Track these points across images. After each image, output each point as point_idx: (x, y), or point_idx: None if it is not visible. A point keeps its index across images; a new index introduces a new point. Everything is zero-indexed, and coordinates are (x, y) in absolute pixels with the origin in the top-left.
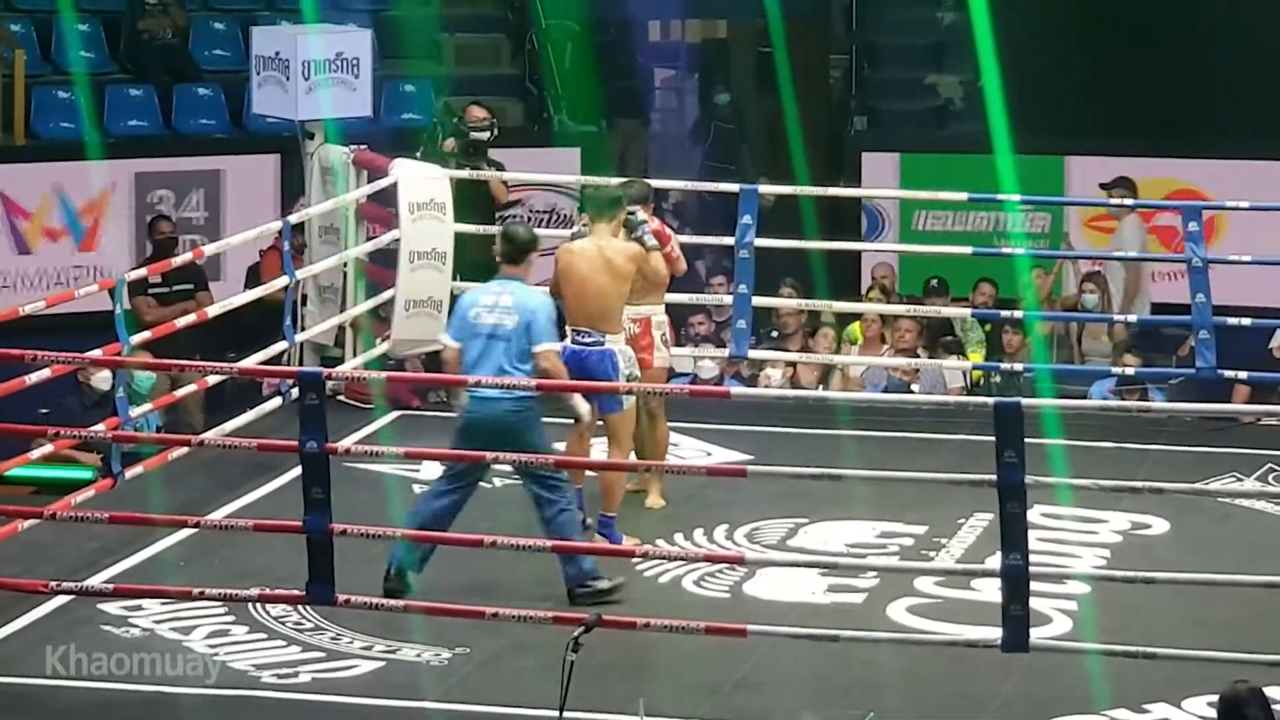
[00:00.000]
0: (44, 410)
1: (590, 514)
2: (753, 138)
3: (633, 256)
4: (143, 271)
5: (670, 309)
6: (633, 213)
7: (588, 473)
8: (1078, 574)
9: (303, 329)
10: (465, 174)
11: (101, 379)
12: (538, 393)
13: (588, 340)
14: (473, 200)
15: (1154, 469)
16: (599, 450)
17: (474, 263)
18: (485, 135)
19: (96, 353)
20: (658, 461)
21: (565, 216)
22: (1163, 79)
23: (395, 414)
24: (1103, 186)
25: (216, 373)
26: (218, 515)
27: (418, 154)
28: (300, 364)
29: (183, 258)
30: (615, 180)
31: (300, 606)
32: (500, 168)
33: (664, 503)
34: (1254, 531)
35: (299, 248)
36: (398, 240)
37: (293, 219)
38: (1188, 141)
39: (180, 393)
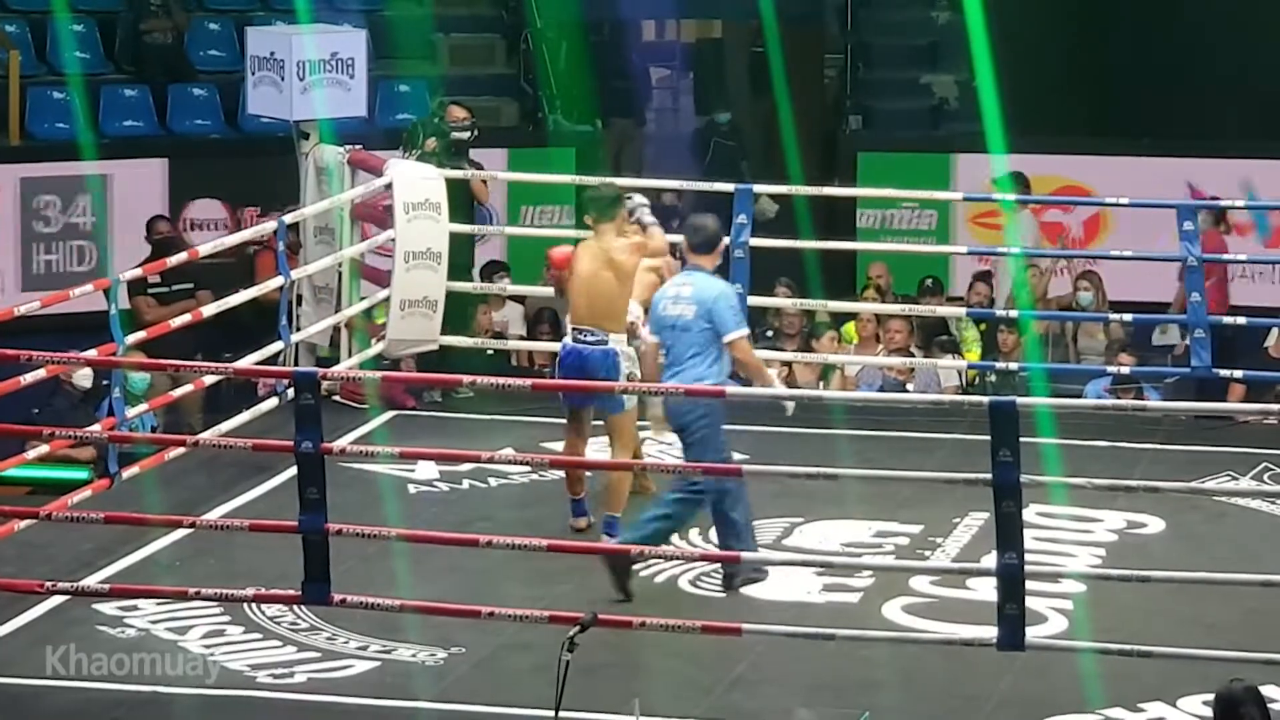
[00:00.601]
0: (36, 410)
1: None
2: (753, 152)
3: (635, 249)
4: (138, 271)
5: None
6: (629, 196)
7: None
8: (1073, 573)
9: (298, 329)
10: (447, 173)
11: (83, 377)
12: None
13: (590, 339)
14: (454, 200)
15: (1149, 468)
16: (595, 451)
17: (456, 263)
18: (466, 135)
19: (92, 353)
20: (655, 461)
21: None
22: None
23: (390, 414)
24: (994, 182)
25: (212, 373)
26: (213, 515)
27: (399, 153)
28: (295, 364)
29: (178, 257)
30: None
31: (296, 606)
32: (479, 167)
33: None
34: (1249, 530)
35: (293, 248)
36: (393, 240)
37: (288, 219)
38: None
39: (177, 393)
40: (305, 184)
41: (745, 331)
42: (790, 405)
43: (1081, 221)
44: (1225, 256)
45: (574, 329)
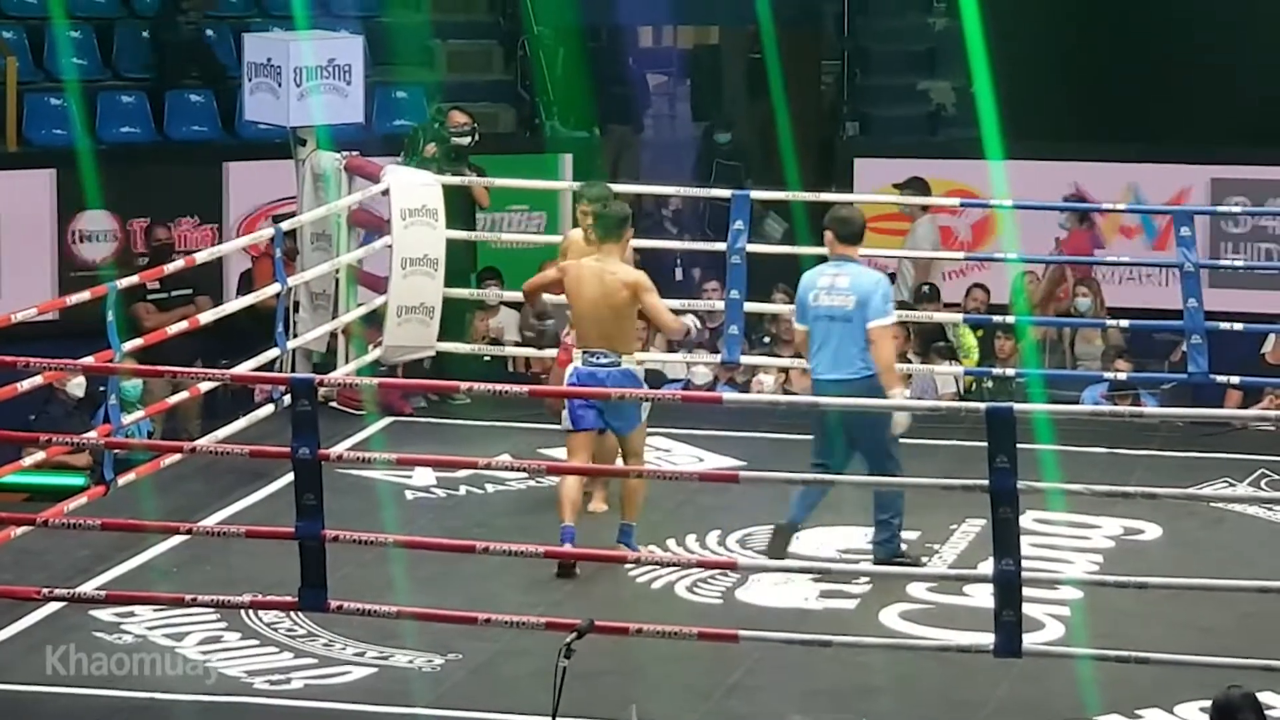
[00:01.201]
0: (32, 417)
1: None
2: (750, 159)
3: (630, 284)
4: (136, 279)
5: None
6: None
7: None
8: (1070, 579)
9: (295, 336)
10: (447, 179)
11: (75, 385)
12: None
13: (603, 361)
14: (455, 205)
15: (1146, 474)
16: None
17: (456, 269)
18: (467, 140)
19: (88, 360)
20: (650, 468)
21: None
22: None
23: (387, 420)
24: (896, 186)
25: (208, 379)
26: (210, 522)
27: (400, 159)
28: (292, 371)
29: (176, 264)
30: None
31: (293, 613)
32: (481, 172)
33: (605, 507)
34: (1246, 536)
35: (290, 254)
36: (389, 246)
37: (285, 225)
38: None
39: (174, 399)
40: (302, 190)
41: (889, 320)
42: (903, 422)
43: (970, 225)
44: (1089, 259)
45: (584, 353)
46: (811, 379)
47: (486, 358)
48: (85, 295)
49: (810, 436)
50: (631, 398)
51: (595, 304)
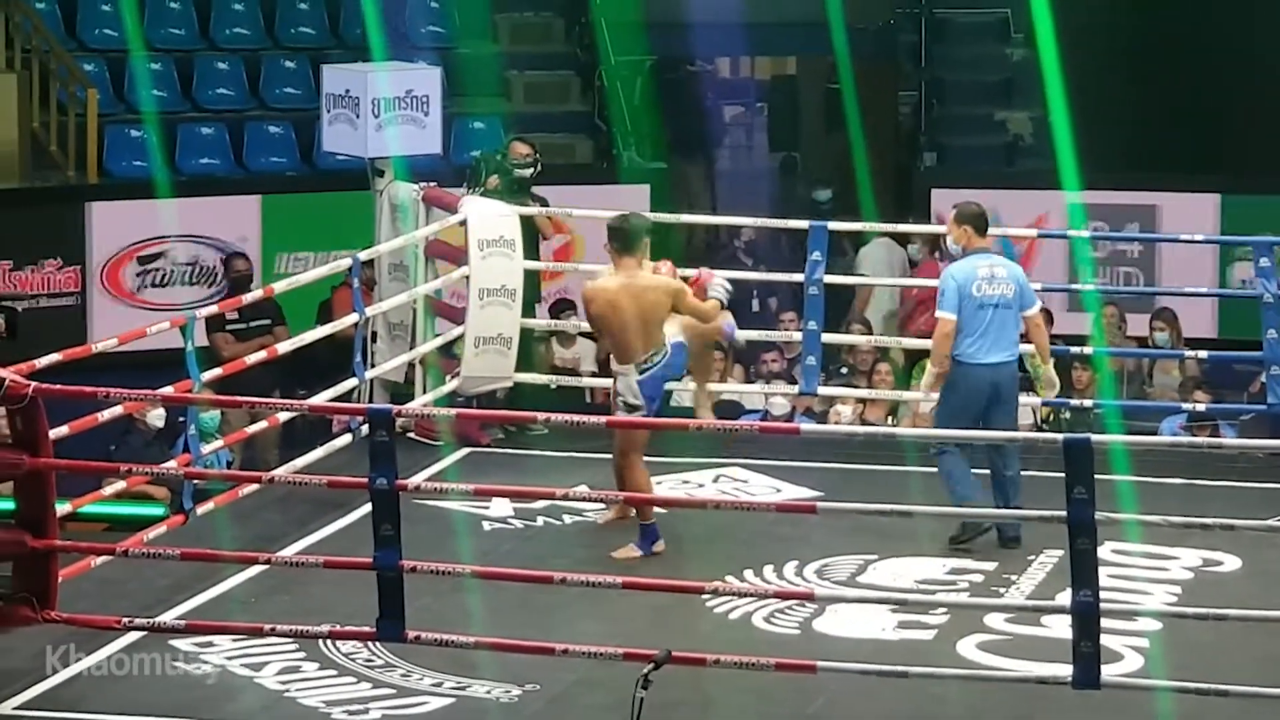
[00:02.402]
0: (113, 447)
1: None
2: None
3: (666, 290)
4: (214, 308)
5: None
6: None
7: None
8: (1148, 611)
9: (372, 366)
10: (520, 209)
11: (156, 416)
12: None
13: (656, 358)
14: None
15: (1225, 505)
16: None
17: (525, 299)
18: (529, 172)
19: (167, 390)
20: (728, 498)
21: (208, 269)
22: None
23: (464, 451)
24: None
25: (286, 409)
26: (288, 552)
27: (463, 190)
28: (370, 401)
29: (255, 294)
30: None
31: (370, 643)
32: (544, 203)
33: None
34: None
35: (368, 284)
36: (467, 277)
37: (363, 255)
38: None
39: (253, 429)
40: (380, 221)
41: (1039, 304)
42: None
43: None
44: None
45: (637, 366)
46: (966, 363)
47: (553, 386)
48: (165, 325)
49: (885, 469)
50: (708, 425)
51: (637, 318)
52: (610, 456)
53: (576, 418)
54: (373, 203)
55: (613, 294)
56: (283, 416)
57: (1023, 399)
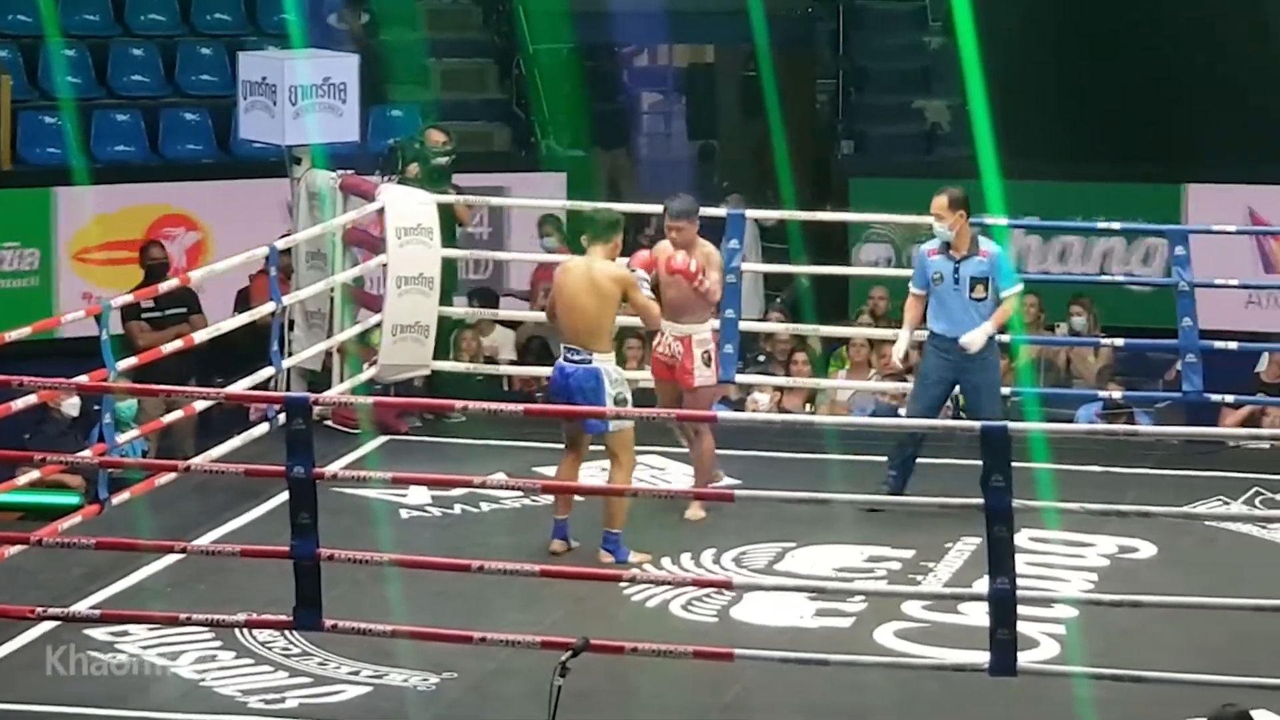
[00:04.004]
0: (28, 435)
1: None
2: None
3: (618, 280)
4: (129, 297)
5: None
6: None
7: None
8: (1065, 598)
9: (290, 354)
10: (438, 197)
11: (70, 405)
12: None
13: (576, 358)
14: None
15: (1141, 492)
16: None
17: (443, 287)
18: (445, 160)
19: (83, 378)
20: (645, 486)
21: None
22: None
23: (382, 439)
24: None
25: (203, 398)
26: (205, 541)
27: (376, 177)
28: (287, 389)
29: (171, 283)
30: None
31: (288, 632)
32: (459, 191)
33: (704, 514)
34: (1241, 554)
35: (285, 273)
36: (384, 265)
37: (280, 244)
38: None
39: (169, 418)
40: (298, 209)
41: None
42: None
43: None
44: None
45: (564, 348)
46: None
47: (479, 377)
48: (80, 314)
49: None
50: (624, 414)
51: (571, 301)
52: (526, 445)
53: (494, 406)
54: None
55: (566, 273)
56: (199, 405)
57: None
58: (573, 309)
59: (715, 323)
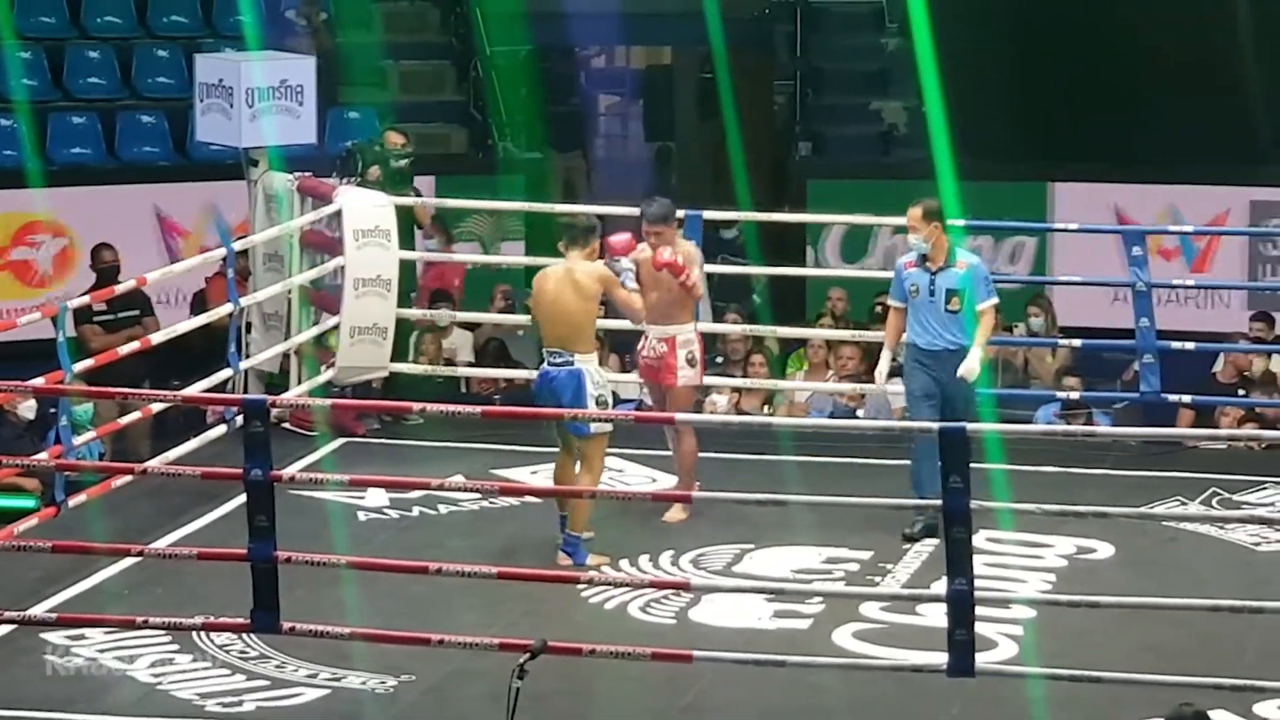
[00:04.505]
0: None
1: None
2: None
3: (600, 278)
4: (86, 299)
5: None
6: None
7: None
8: (1023, 598)
9: (247, 356)
10: (397, 199)
11: (27, 408)
12: None
13: (558, 360)
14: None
15: (1099, 493)
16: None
17: (400, 288)
18: (404, 162)
19: (37, 381)
20: (603, 488)
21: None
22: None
23: (340, 441)
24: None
25: (160, 400)
26: (162, 544)
27: (334, 179)
28: (245, 391)
29: (126, 285)
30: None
31: (245, 634)
32: (417, 193)
33: (684, 516)
34: (1198, 555)
35: (243, 274)
36: (342, 267)
37: (237, 246)
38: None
39: (125, 420)
40: (254, 211)
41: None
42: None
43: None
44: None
45: (546, 352)
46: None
47: (438, 379)
48: (36, 315)
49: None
50: (583, 414)
51: (552, 304)
52: (484, 446)
53: (452, 408)
54: None
55: (545, 279)
56: (156, 407)
57: (898, 386)
58: (555, 312)
59: (698, 324)
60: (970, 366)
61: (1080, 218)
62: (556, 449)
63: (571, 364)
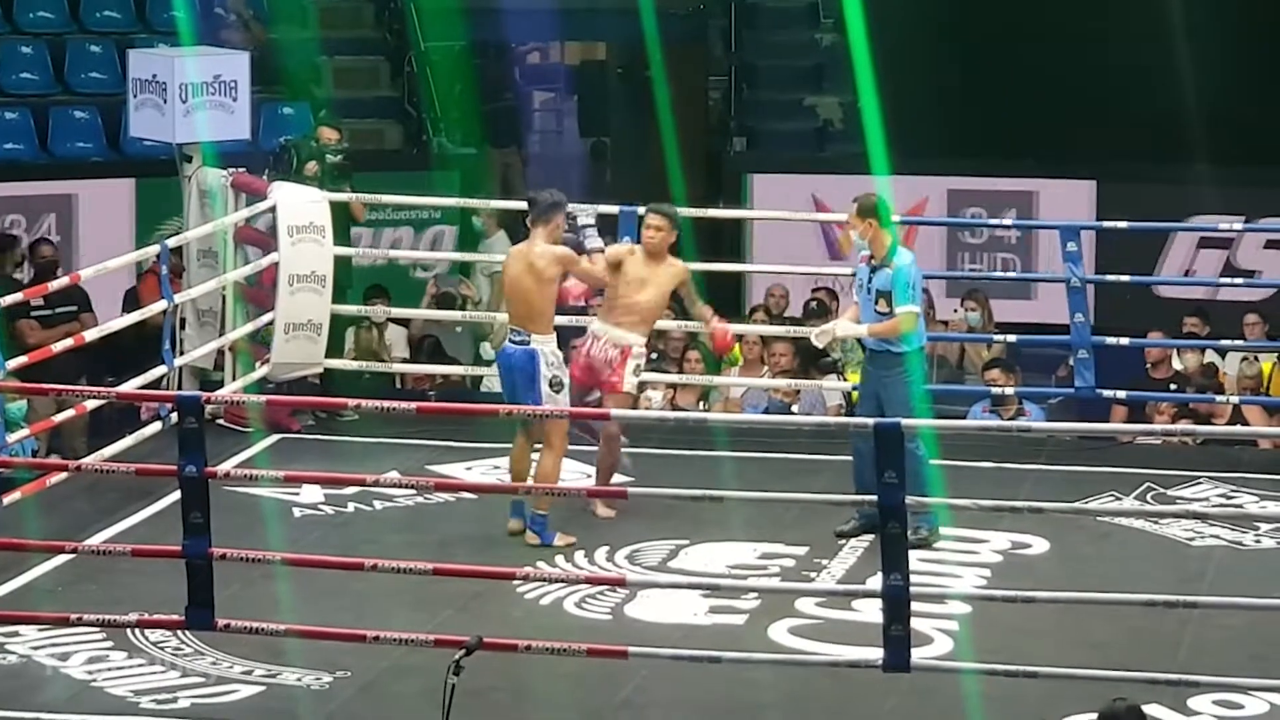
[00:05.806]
0: None
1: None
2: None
3: (557, 259)
4: (19, 295)
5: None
6: (573, 217)
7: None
8: (958, 594)
9: (181, 353)
10: (332, 195)
11: None
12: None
13: (517, 339)
14: (334, 223)
15: (1033, 489)
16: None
17: (337, 285)
18: (339, 157)
19: None
20: (547, 484)
21: None
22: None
23: (274, 437)
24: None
25: (94, 397)
26: (96, 540)
27: (268, 175)
28: (179, 388)
29: (61, 281)
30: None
31: (180, 631)
32: (354, 188)
33: (613, 513)
34: (1132, 550)
35: (176, 271)
36: (276, 263)
37: (171, 242)
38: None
39: (59, 417)
40: (188, 207)
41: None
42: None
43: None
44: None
45: (509, 330)
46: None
47: (368, 375)
48: None
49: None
50: (519, 412)
51: (512, 284)
52: (419, 442)
53: (387, 404)
54: None
55: (509, 258)
56: (91, 404)
57: (832, 382)
58: (514, 292)
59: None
60: (828, 329)
61: (779, 206)
62: (492, 444)
63: (528, 343)
